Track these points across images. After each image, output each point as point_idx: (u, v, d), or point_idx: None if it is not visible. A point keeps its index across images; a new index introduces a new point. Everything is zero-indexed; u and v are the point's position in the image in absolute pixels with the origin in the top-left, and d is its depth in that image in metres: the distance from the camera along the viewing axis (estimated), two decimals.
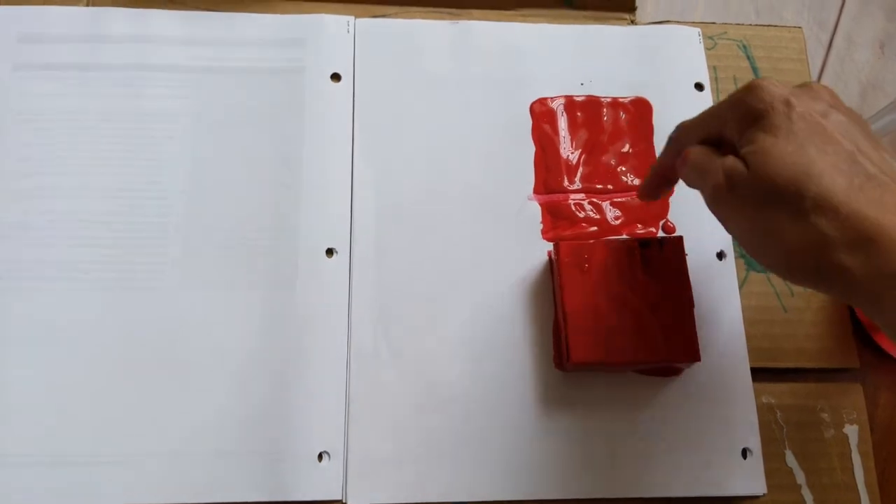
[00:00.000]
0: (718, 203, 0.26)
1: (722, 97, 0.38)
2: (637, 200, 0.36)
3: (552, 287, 0.34)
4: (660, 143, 0.37)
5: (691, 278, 0.33)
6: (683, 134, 0.29)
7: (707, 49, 0.39)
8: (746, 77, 0.39)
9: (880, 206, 0.22)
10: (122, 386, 0.32)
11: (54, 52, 0.36)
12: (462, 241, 0.35)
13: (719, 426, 0.33)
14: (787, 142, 0.23)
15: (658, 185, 0.31)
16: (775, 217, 0.24)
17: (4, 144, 0.35)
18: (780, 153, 0.23)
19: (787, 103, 0.24)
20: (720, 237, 0.36)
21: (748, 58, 0.39)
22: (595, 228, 0.36)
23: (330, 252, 0.34)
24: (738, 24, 0.40)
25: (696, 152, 0.27)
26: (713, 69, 0.39)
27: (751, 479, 0.33)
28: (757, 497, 0.33)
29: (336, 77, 0.37)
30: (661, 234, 0.36)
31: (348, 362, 0.33)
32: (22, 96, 0.36)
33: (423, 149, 0.36)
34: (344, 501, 0.31)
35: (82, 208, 0.34)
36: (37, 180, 0.35)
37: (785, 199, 0.23)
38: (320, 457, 0.32)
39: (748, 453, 0.33)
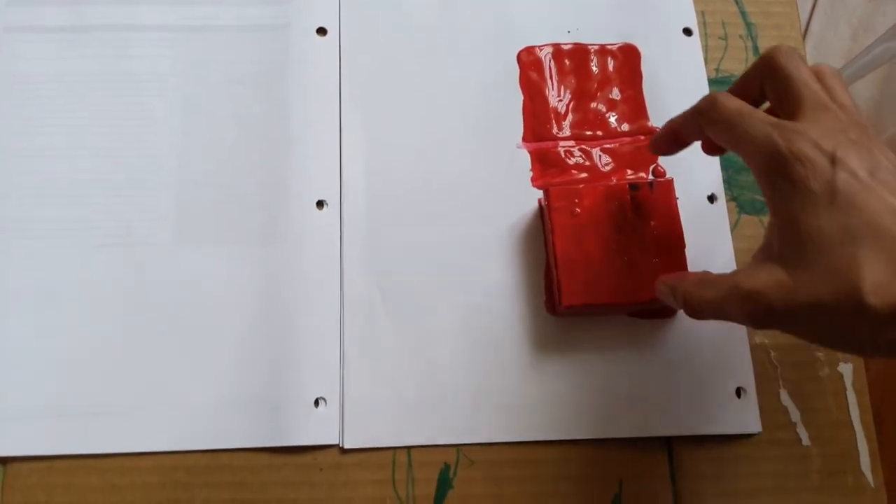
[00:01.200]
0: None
1: (711, 42, 0.38)
2: (627, 146, 0.36)
3: (543, 234, 0.35)
4: (648, 89, 0.37)
5: (683, 222, 0.33)
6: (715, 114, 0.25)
7: None
8: (735, 22, 0.39)
9: None
10: (118, 339, 0.33)
11: (43, 14, 0.37)
12: (451, 189, 0.35)
13: (713, 366, 0.33)
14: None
15: (669, 144, 0.29)
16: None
17: None
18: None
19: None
20: (711, 180, 0.36)
21: (736, 2, 0.39)
22: (585, 175, 0.36)
23: (320, 204, 0.35)
24: None
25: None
26: (701, 14, 0.39)
27: (745, 417, 0.33)
28: (752, 435, 0.33)
29: (322, 31, 0.37)
30: (651, 178, 0.36)
31: (342, 310, 0.33)
32: (12, 58, 0.36)
33: (411, 100, 0.36)
34: (341, 445, 0.32)
35: (74, 167, 0.35)
36: (28, 140, 0.35)
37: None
38: (317, 402, 0.32)
39: (742, 392, 0.33)
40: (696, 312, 0.26)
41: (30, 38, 0.36)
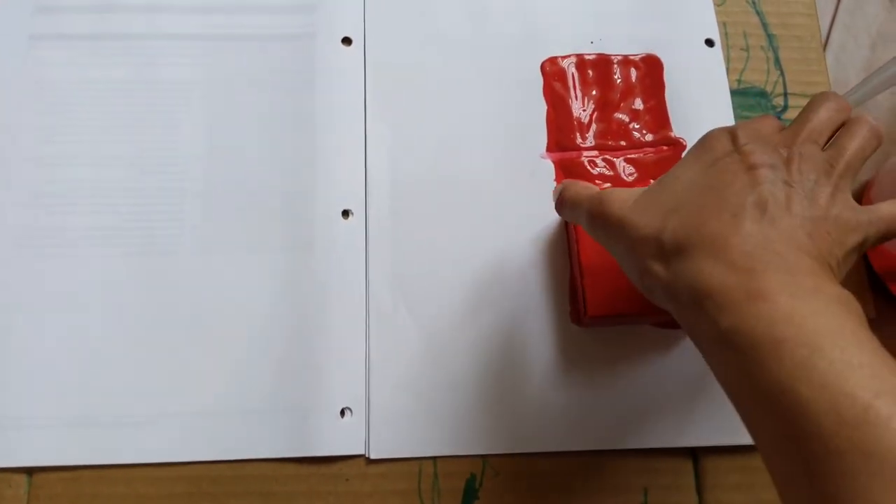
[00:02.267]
0: None
1: (732, 54, 0.39)
2: (651, 156, 0.36)
3: (567, 244, 0.35)
4: (671, 100, 0.37)
5: None
6: None
7: (717, 5, 0.39)
8: (756, 33, 0.39)
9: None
10: (145, 348, 0.33)
11: (69, 22, 0.37)
12: (476, 199, 0.35)
13: None
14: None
15: None
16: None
17: (23, 114, 0.35)
18: None
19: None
20: None
21: (758, 13, 0.39)
22: (609, 185, 0.36)
23: (346, 214, 0.35)
24: None
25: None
26: (723, 25, 0.39)
27: None
28: None
29: (347, 41, 0.37)
30: None
31: (367, 320, 0.33)
32: (38, 66, 0.36)
33: (436, 109, 0.36)
34: (367, 455, 0.32)
35: (100, 176, 0.35)
36: (55, 148, 0.35)
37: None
38: (342, 413, 0.32)
39: None
40: (560, 204, 0.29)
41: (56, 46, 0.36)
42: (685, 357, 0.34)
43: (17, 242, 0.34)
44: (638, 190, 0.26)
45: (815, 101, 0.26)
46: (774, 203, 0.22)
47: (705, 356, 0.23)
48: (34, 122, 0.35)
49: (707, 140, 0.25)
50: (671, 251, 0.23)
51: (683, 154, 0.26)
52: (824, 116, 0.25)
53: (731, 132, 0.25)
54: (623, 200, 0.25)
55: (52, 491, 0.31)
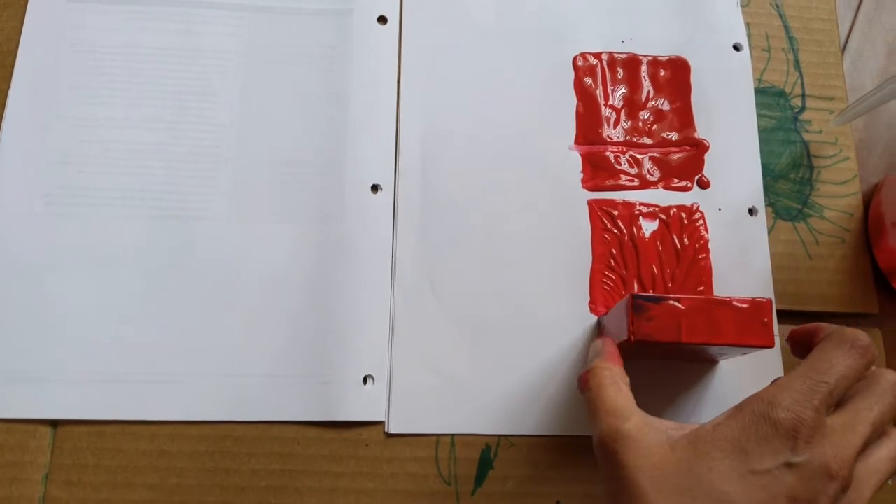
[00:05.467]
0: None
1: (754, 54, 0.40)
2: (674, 155, 0.37)
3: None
4: (697, 101, 0.38)
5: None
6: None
7: (742, 6, 0.40)
8: (778, 35, 0.40)
9: None
10: (172, 309, 0.33)
11: None
12: (504, 183, 0.36)
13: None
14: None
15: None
16: None
17: (59, 75, 0.36)
18: None
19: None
20: (752, 193, 0.37)
21: (780, 16, 0.41)
22: (635, 181, 0.37)
23: (375, 188, 0.35)
24: None
25: None
26: (746, 26, 0.40)
27: None
28: None
29: (382, 20, 0.38)
30: (695, 188, 0.37)
31: (392, 293, 0.34)
32: (76, 28, 0.36)
33: (468, 92, 0.37)
34: (386, 430, 0.33)
35: (134, 138, 0.35)
36: (90, 110, 0.35)
37: None
38: (365, 380, 0.33)
39: None
40: (583, 384, 0.28)
41: (94, 9, 0.37)
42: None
43: (49, 200, 0.34)
44: (660, 438, 0.24)
45: (882, 390, 0.24)
46: None
47: None
48: (69, 83, 0.36)
49: (767, 430, 0.22)
50: None
51: (737, 413, 0.23)
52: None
53: (794, 434, 0.22)
54: (642, 456, 0.24)
55: (76, 444, 0.32)
